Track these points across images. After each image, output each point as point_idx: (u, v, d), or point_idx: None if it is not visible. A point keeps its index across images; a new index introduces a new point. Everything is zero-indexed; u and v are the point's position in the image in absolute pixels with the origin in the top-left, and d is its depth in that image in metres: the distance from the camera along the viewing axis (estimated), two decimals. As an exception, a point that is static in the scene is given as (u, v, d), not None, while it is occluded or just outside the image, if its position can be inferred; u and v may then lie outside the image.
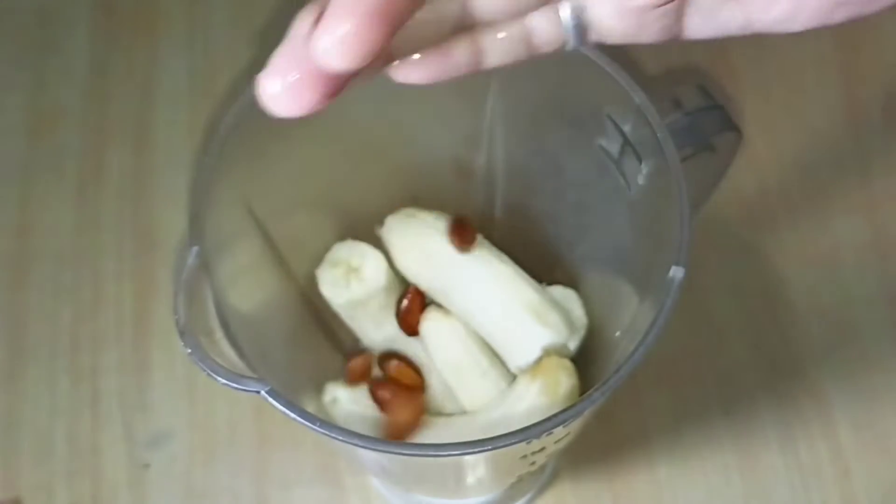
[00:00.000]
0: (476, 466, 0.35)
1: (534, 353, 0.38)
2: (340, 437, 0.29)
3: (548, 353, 0.40)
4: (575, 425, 0.33)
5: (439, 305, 0.40)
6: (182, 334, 0.30)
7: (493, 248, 0.41)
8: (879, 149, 0.57)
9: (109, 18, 0.63)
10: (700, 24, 0.24)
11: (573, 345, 0.41)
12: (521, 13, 0.23)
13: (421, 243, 0.41)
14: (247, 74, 0.60)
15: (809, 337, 0.52)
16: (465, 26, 0.23)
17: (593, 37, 0.24)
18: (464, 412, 0.41)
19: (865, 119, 0.58)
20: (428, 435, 0.40)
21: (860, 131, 0.58)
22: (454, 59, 0.23)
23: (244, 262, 0.37)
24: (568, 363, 0.39)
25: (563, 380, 0.38)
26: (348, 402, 0.40)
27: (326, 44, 0.18)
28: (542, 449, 0.33)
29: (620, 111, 0.35)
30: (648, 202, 0.36)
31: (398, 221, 0.41)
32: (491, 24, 0.23)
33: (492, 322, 0.39)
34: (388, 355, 0.41)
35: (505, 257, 0.41)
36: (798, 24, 0.23)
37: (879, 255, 0.54)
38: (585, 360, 0.41)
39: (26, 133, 0.59)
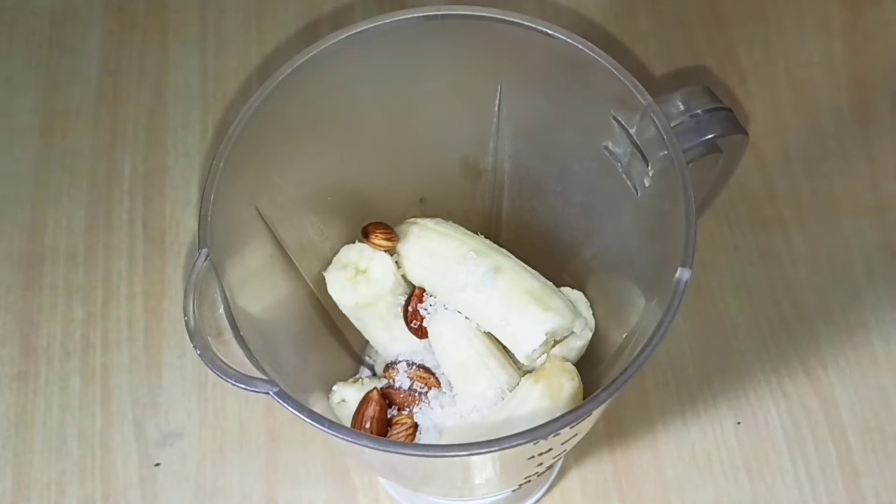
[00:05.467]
0: (483, 467, 0.35)
1: (538, 338, 0.38)
2: (349, 438, 0.30)
3: (551, 357, 0.40)
4: (582, 426, 0.33)
5: (446, 307, 0.41)
6: (192, 335, 0.31)
7: (493, 244, 0.41)
8: (888, 150, 0.57)
9: (122, 21, 0.63)
10: None
11: (580, 343, 0.41)
12: None
13: (422, 245, 0.41)
14: (257, 77, 0.61)
15: (818, 338, 0.52)
16: None
17: None
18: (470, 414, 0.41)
19: (874, 120, 0.58)
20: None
21: (869, 133, 0.58)
22: None
23: (253, 263, 0.37)
24: (571, 367, 0.39)
25: (566, 383, 0.38)
26: (357, 402, 0.41)
27: None
28: (549, 450, 0.33)
29: (627, 113, 0.35)
30: (655, 204, 0.36)
31: (400, 230, 0.42)
32: None
33: (495, 313, 0.39)
34: (395, 363, 0.42)
35: (505, 251, 0.41)
36: None
37: (888, 257, 0.54)
38: (592, 362, 0.41)
39: (39, 133, 0.60)
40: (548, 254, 0.43)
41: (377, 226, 0.41)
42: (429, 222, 0.42)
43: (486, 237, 0.42)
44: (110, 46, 0.62)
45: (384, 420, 0.40)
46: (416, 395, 0.41)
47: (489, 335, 0.40)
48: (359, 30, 0.36)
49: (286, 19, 0.63)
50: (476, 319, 0.40)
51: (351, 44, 0.36)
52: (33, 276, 0.55)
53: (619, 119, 0.36)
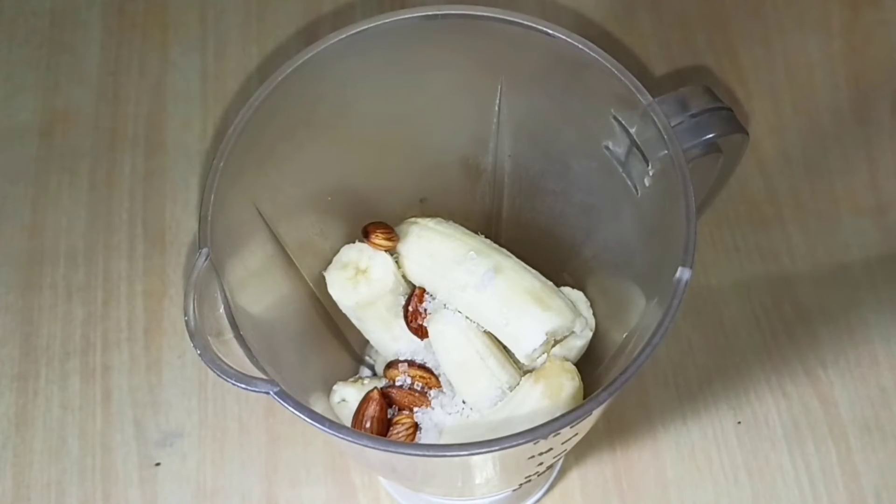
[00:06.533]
0: (483, 467, 0.35)
1: (539, 338, 0.38)
2: (349, 438, 0.30)
3: (551, 357, 0.40)
4: (582, 426, 0.33)
5: (446, 307, 0.41)
6: (192, 335, 0.31)
7: (493, 244, 0.41)
8: (888, 149, 0.57)
9: (122, 20, 0.63)
10: None
11: (580, 343, 0.41)
12: None
13: (423, 245, 0.41)
14: (257, 77, 0.61)
15: (818, 338, 0.52)
16: None
17: None
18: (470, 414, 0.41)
19: (874, 120, 0.58)
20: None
21: (869, 132, 0.58)
22: None
23: (254, 263, 0.37)
24: (571, 367, 0.39)
25: (566, 383, 0.38)
26: (357, 402, 0.41)
27: None
28: (550, 450, 0.33)
29: (627, 113, 0.35)
30: (655, 203, 0.36)
31: (400, 230, 0.42)
32: None
33: (495, 312, 0.39)
34: (395, 362, 0.42)
35: (505, 251, 0.41)
36: None
37: (888, 256, 0.54)
38: (592, 361, 0.41)
39: (39, 133, 0.60)
40: (548, 253, 0.43)
41: (377, 225, 0.41)
42: (429, 222, 0.42)
43: (486, 237, 0.42)
44: (110, 46, 0.62)
45: (384, 420, 0.40)
46: (417, 394, 0.41)
47: (489, 335, 0.40)
48: (359, 30, 0.36)
49: (286, 19, 0.63)
50: (476, 319, 0.40)
51: (351, 44, 0.36)
52: (33, 276, 0.55)
53: (620, 119, 0.36)
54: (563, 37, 0.35)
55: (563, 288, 0.42)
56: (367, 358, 0.47)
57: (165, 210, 0.57)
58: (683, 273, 0.32)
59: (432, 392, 0.41)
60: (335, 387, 0.42)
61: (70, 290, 0.55)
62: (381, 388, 0.41)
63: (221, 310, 0.33)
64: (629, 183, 0.37)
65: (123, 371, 0.53)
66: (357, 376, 0.45)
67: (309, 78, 0.36)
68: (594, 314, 0.42)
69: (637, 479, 0.49)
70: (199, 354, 0.30)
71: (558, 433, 0.30)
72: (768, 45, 0.61)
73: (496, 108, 0.40)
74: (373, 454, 0.33)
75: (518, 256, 0.41)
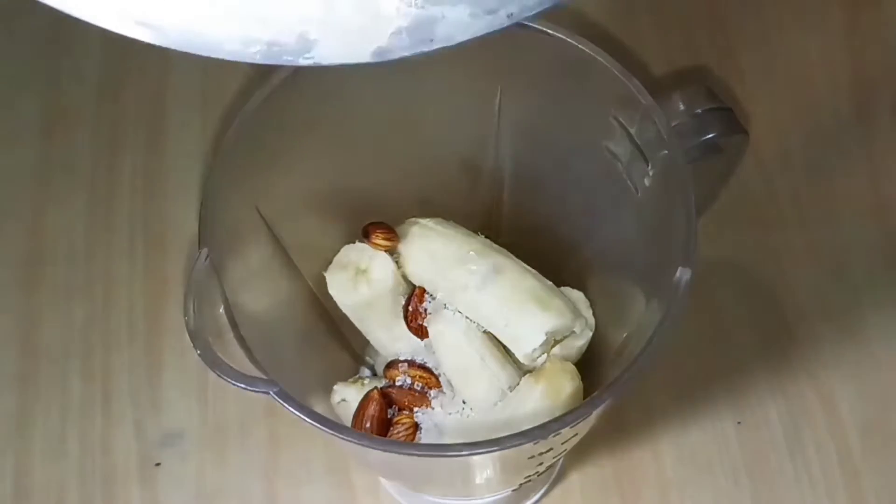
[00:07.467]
0: (483, 467, 0.35)
1: (539, 338, 0.38)
2: (349, 438, 0.30)
3: (551, 357, 0.40)
4: (582, 426, 0.33)
5: (447, 307, 0.41)
6: (192, 336, 0.31)
7: (493, 244, 0.41)
8: (889, 150, 0.57)
9: (121, 21, 0.63)
10: None
11: (580, 343, 0.41)
12: None
13: (423, 245, 0.41)
14: (257, 77, 0.61)
15: (818, 338, 0.52)
16: None
17: None
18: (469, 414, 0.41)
19: (874, 120, 0.58)
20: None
21: (869, 132, 0.58)
22: None
23: (254, 263, 0.37)
24: (571, 367, 0.39)
25: (566, 384, 0.38)
26: (357, 402, 0.41)
27: None
28: (550, 450, 0.33)
29: (627, 113, 0.35)
30: (655, 204, 0.36)
31: (400, 230, 0.42)
32: None
33: (496, 313, 0.39)
34: (395, 362, 0.42)
35: (505, 251, 0.41)
36: None
37: (888, 257, 0.54)
38: (592, 362, 0.41)
39: (39, 134, 0.60)
40: (548, 254, 0.43)
41: (377, 226, 0.41)
42: (429, 222, 0.42)
43: (486, 237, 0.42)
44: (111, 46, 0.62)
45: (384, 420, 0.40)
46: (417, 394, 0.41)
47: (489, 335, 0.40)
48: (359, 29, 0.36)
49: (286, 19, 0.63)
50: (476, 319, 0.40)
51: (351, 44, 0.36)
52: (33, 276, 0.55)
53: (620, 119, 0.36)
54: (563, 37, 0.35)
55: (563, 288, 0.42)
56: (367, 358, 0.47)
57: (166, 210, 0.57)
58: (683, 273, 0.32)
59: (432, 392, 0.41)
60: (335, 387, 0.42)
61: (70, 290, 0.55)
62: (381, 388, 0.41)
63: (221, 310, 0.33)
64: (629, 183, 0.37)
65: (124, 371, 0.53)
66: (357, 376, 0.45)
67: (309, 78, 0.36)
68: (594, 314, 0.42)
69: (637, 480, 0.49)
70: (199, 354, 0.30)
71: (558, 433, 0.30)
72: (768, 45, 0.61)
73: (496, 109, 0.40)
74: (373, 454, 0.33)
75: (518, 256, 0.41)
